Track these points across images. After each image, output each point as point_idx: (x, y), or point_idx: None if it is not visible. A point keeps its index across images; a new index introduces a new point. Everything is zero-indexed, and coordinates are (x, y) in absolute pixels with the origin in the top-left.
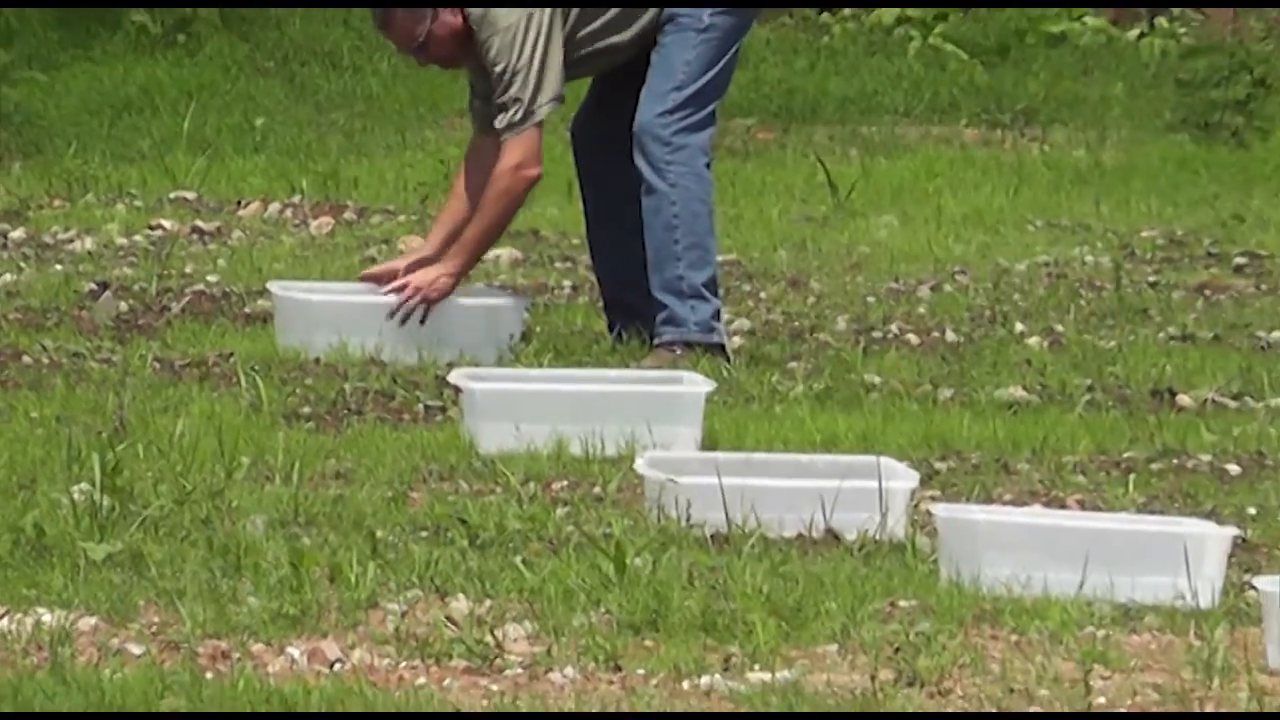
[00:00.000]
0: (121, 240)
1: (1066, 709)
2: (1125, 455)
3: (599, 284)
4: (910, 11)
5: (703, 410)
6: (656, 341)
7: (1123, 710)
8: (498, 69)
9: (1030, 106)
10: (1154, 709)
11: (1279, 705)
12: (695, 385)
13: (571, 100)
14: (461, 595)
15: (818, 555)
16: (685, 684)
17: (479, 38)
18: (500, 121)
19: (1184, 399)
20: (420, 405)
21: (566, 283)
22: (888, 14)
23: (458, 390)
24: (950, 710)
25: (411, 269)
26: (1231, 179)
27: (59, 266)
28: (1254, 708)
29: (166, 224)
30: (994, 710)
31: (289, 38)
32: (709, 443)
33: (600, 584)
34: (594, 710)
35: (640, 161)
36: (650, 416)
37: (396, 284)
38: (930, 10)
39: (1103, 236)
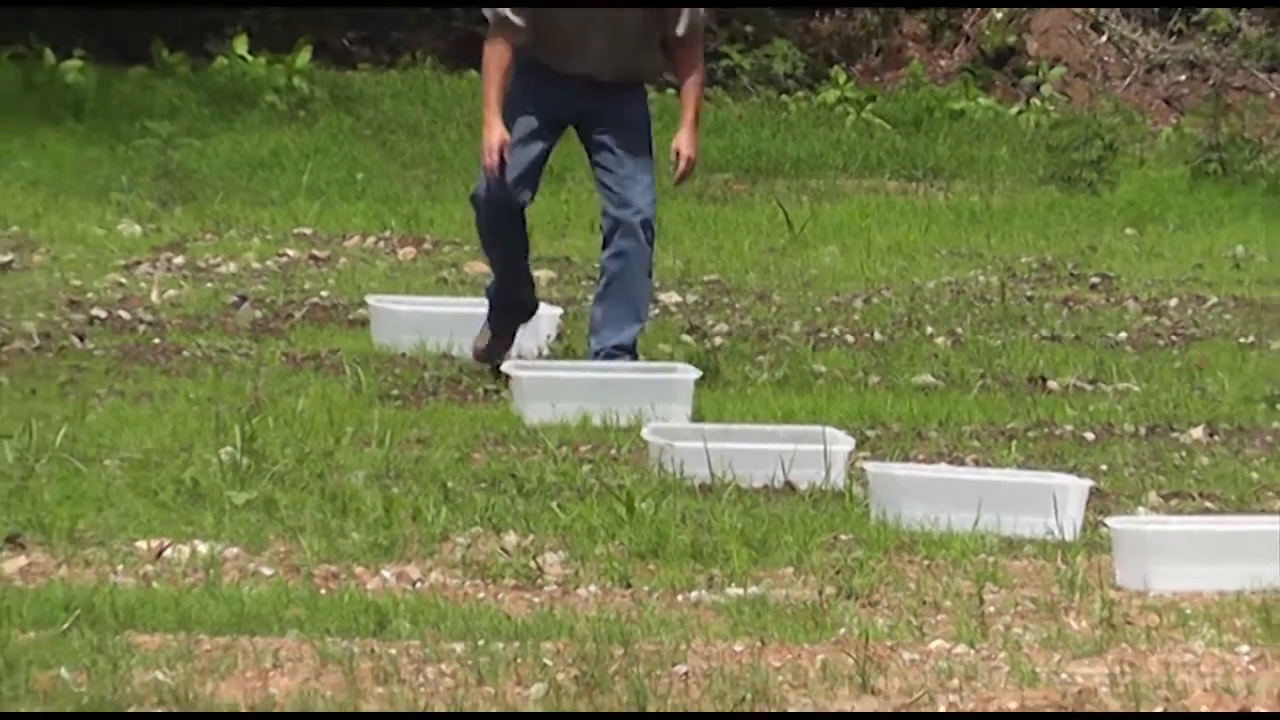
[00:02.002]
0: (256, 264)
1: (966, 617)
2: (1009, 426)
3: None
4: (848, 93)
5: (692, 392)
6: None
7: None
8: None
9: (937, 165)
10: (1030, 616)
11: (1129, 614)
12: (687, 374)
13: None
14: (511, 531)
15: (779, 501)
16: (679, 597)
17: None
18: (687, 29)
19: (1053, 384)
20: (481, 389)
21: (590, 297)
22: (831, 94)
23: (509, 377)
24: (878, 619)
25: (678, 146)
26: (1088, 219)
27: (209, 284)
28: (1105, 615)
29: (290, 252)
30: (912, 618)
31: (382, 113)
32: (697, 416)
33: (615, 522)
34: (610, 617)
35: (642, 242)
36: (653, 397)
37: (683, 165)
38: (862, 92)
39: (991, 262)
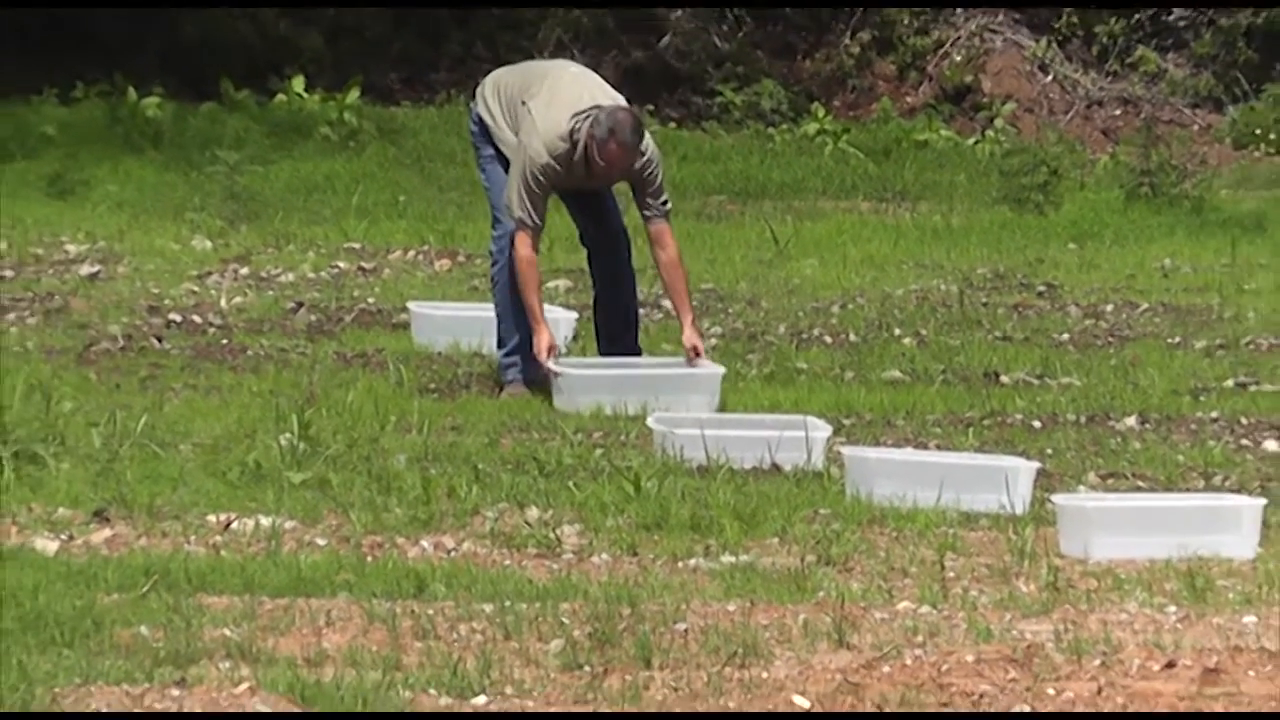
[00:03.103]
0: (311, 275)
1: (929, 581)
2: (966, 415)
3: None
4: (826, 126)
5: (719, 385)
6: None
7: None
8: (659, 183)
9: (904, 188)
10: (985, 581)
11: (1071, 579)
12: (714, 369)
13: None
14: (534, 506)
15: (766, 480)
16: (679, 564)
17: (651, 163)
18: (663, 215)
19: (1005, 379)
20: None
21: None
22: (811, 127)
23: (555, 374)
24: (853, 583)
25: (692, 343)
26: (1035, 235)
27: (271, 292)
28: (1051, 579)
29: (341, 264)
30: (882, 582)
31: (422, 143)
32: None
33: (624, 499)
34: (619, 582)
35: (625, 254)
36: (682, 390)
37: (700, 358)
38: (839, 125)
39: (951, 272)
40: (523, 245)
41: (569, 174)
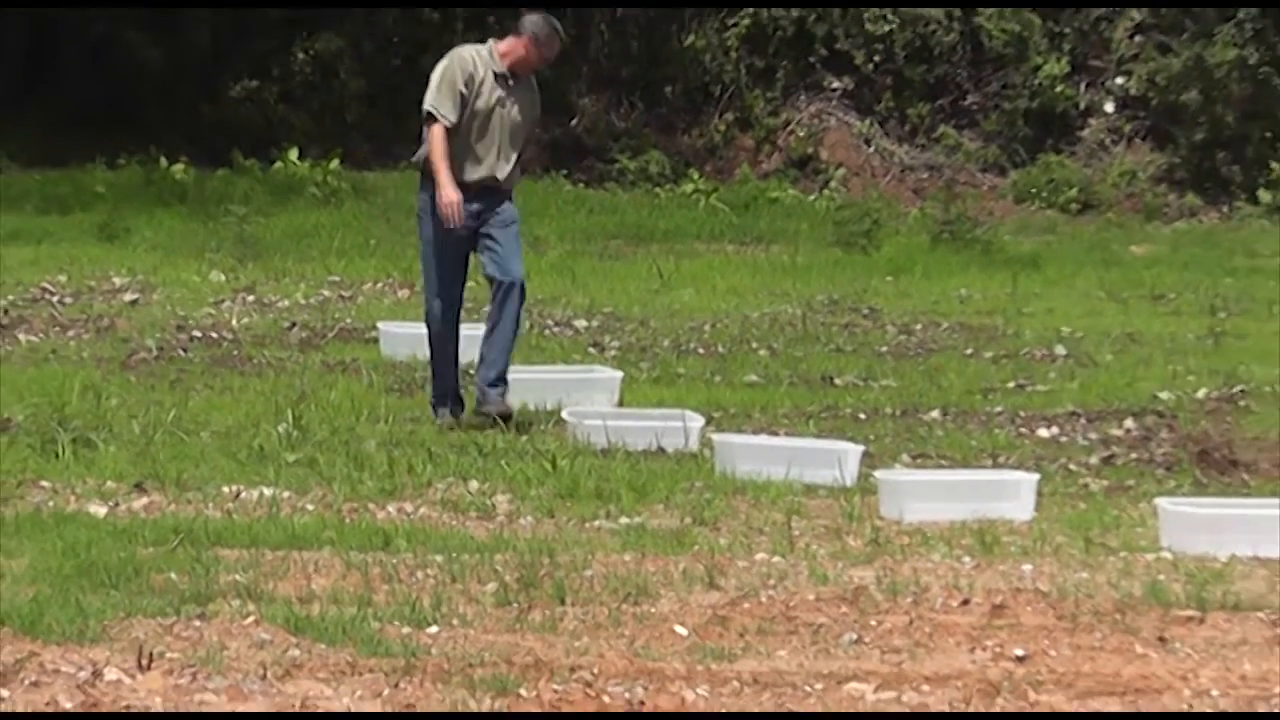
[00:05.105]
0: (303, 301)
1: (779, 538)
2: (808, 409)
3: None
4: (700, 186)
5: (619, 386)
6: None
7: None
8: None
9: (760, 234)
10: (823, 537)
11: (889, 536)
12: (606, 373)
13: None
14: (474, 480)
15: (654, 460)
16: (587, 525)
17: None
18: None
19: (838, 381)
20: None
21: (529, 322)
22: (689, 187)
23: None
24: (721, 539)
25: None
26: (861, 271)
27: (271, 314)
28: (873, 537)
29: (325, 293)
30: (744, 538)
31: (388, 200)
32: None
33: (544, 474)
34: (541, 538)
35: (515, 301)
36: (588, 391)
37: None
38: (710, 185)
39: (796, 299)
40: (434, 133)
41: (487, 80)
